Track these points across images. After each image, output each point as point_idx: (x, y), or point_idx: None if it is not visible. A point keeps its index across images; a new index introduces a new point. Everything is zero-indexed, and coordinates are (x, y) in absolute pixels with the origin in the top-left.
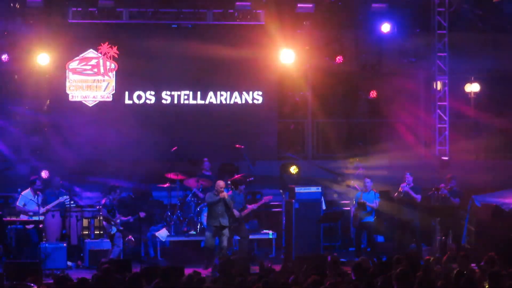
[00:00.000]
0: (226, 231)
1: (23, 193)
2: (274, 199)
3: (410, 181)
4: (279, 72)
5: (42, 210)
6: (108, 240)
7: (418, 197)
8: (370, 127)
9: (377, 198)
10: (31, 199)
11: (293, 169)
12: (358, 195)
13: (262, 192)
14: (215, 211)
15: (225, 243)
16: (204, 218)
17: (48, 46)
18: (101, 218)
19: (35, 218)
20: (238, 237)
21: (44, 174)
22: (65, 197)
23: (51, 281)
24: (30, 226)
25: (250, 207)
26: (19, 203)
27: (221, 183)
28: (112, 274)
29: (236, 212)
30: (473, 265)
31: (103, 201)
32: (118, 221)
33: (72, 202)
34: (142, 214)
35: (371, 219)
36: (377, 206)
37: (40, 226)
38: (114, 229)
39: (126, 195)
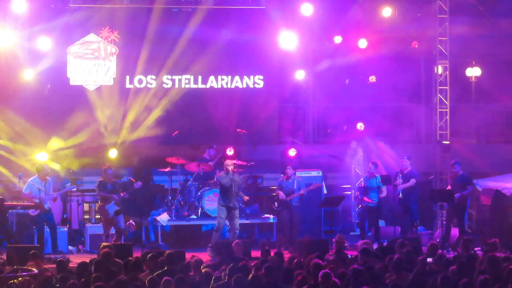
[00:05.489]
0: (237, 212)
1: (30, 180)
2: (275, 184)
3: (407, 164)
4: (280, 56)
5: (50, 197)
6: None
7: (412, 181)
8: (371, 111)
9: (379, 183)
10: (38, 187)
11: (292, 152)
12: (365, 179)
13: (263, 176)
14: (229, 191)
15: (237, 224)
16: (205, 202)
17: (49, 30)
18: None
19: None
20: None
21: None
22: (70, 186)
23: (52, 265)
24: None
25: (298, 192)
26: (25, 191)
27: (229, 162)
28: (112, 258)
29: (282, 195)
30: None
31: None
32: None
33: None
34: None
35: (374, 203)
36: (382, 193)
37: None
38: (111, 213)
39: (127, 179)
